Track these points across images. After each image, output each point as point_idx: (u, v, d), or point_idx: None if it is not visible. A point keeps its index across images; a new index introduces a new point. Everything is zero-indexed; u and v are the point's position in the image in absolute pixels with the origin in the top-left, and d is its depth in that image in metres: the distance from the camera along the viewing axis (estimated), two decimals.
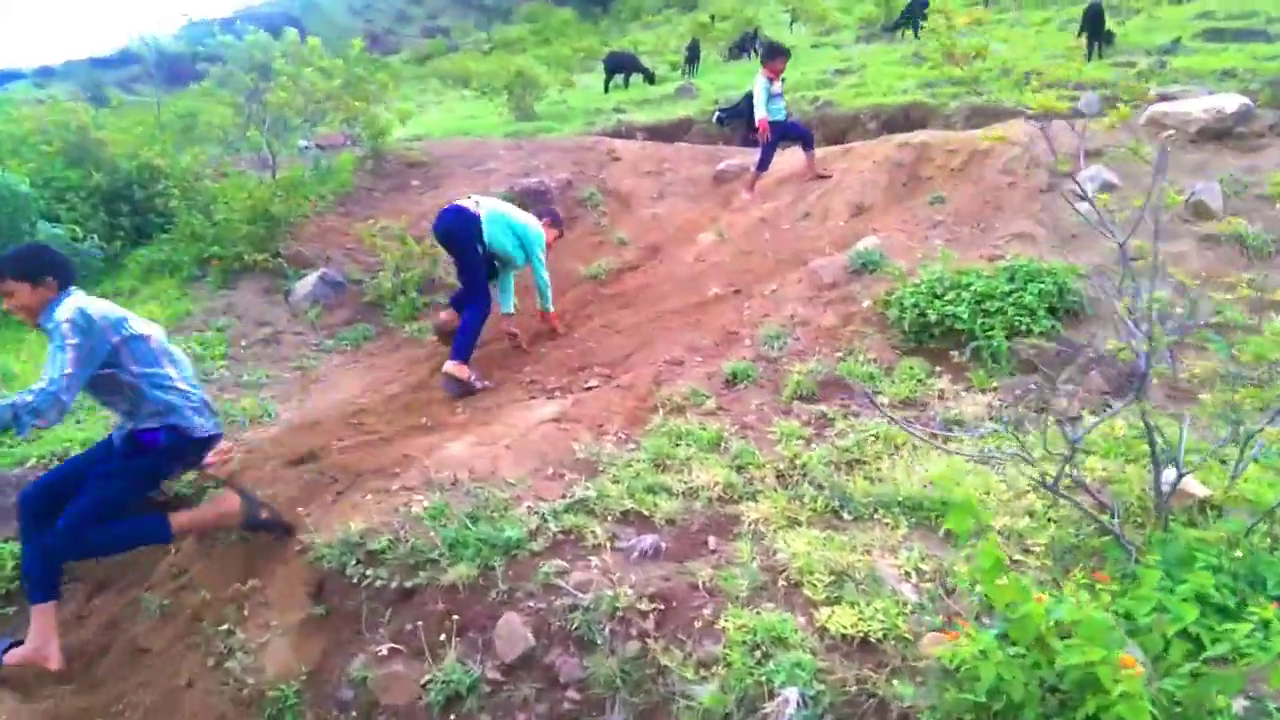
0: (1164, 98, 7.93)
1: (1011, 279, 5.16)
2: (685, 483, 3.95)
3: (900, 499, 3.66)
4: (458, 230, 5.85)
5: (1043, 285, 5.04)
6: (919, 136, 8.57)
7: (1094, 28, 14.15)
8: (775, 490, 3.86)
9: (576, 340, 6.39)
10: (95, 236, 7.52)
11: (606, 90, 19.41)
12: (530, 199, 8.25)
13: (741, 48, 22.04)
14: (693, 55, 19.34)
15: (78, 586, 4.14)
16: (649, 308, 6.65)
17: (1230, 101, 7.27)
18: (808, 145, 8.66)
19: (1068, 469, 3.05)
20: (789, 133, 8.58)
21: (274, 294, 7.15)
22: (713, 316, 6.17)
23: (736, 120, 12.38)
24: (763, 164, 8.47)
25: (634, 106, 16.72)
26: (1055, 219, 6.53)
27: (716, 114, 13.57)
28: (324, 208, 8.50)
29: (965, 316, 5.01)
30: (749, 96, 13.79)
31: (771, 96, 8.27)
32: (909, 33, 19.09)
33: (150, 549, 3.93)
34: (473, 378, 5.65)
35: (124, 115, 12.45)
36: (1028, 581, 2.41)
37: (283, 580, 3.56)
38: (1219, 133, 7.22)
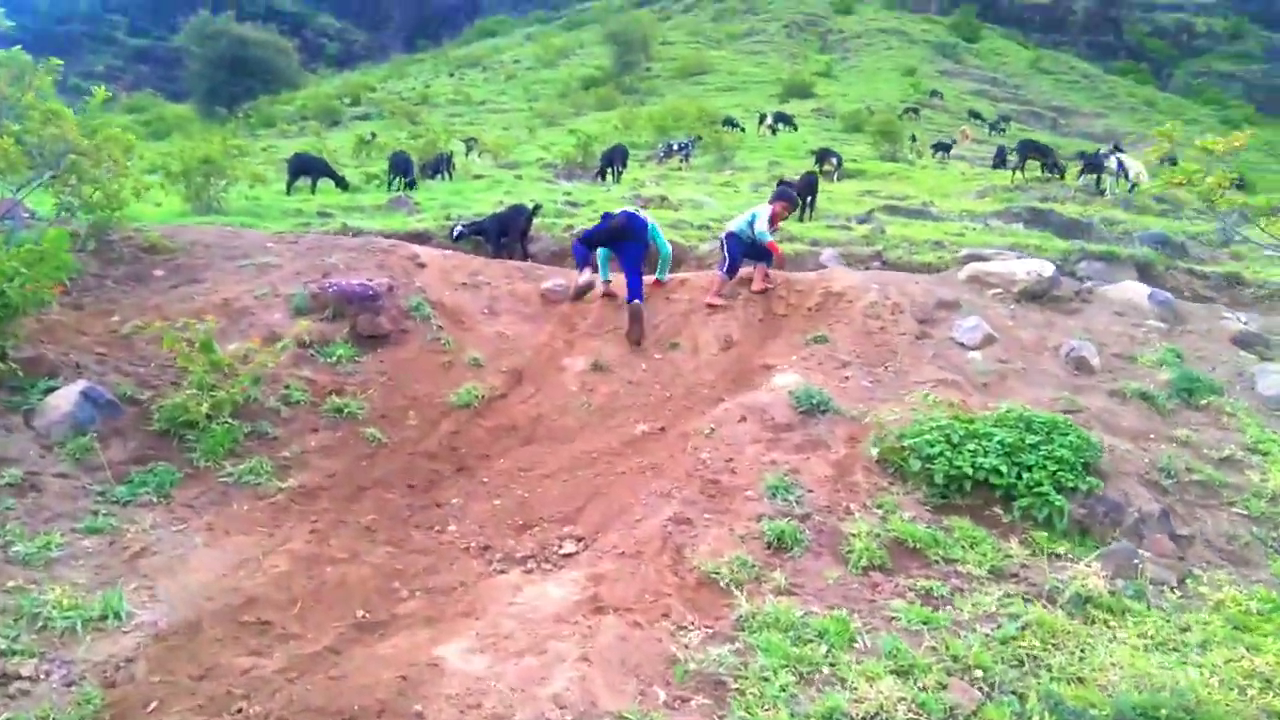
0: (974, 257, 8.52)
1: (1028, 428, 4.84)
2: (857, 699, 2.95)
3: (1134, 707, 2.98)
4: (636, 228, 7.68)
5: (1067, 438, 4.76)
6: (755, 273, 8.34)
7: (810, 194, 15.63)
8: (984, 703, 2.99)
9: (493, 486, 5.02)
10: None
11: (289, 192, 17.55)
12: (353, 303, 6.61)
13: (435, 169, 21.25)
14: (405, 168, 18.13)
15: None
16: (563, 447, 5.48)
17: (1045, 266, 7.97)
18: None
19: None
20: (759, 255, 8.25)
21: (7, 416, 4.79)
22: (662, 459, 5.19)
23: (480, 236, 11.64)
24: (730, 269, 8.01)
25: (342, 212, 15.13)
26: (957, 365, 6.50)
27: (457, 229, 12.66)
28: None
29: (1004, 470, 4.57)
30: (495, 217, 13.04)
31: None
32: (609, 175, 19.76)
33: None
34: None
35: None
36: None
37: None
38: (1037, 293, 7.84)
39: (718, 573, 3.82)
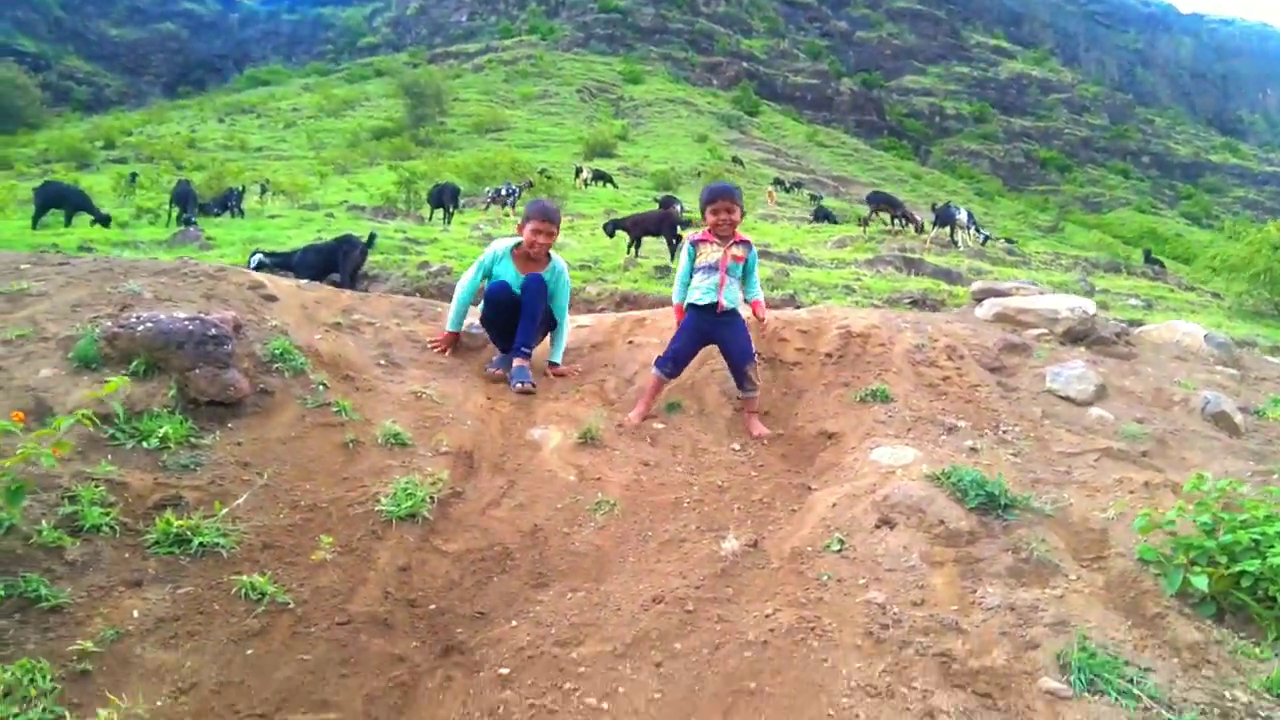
0: (991, 292, 6.94)
1: None
2: None
3: None
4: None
5: None
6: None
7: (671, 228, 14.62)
8: None
9: (524, 688, 2.59)
10: None
11: (35, 226, 14.09)
12: (181, 348, 3.91)
13: (224, 205, 17.92)
14: (186, 200, 14.82)
15: None
16: (612, 590, 3.11)
17: (1086, 303, 6.50)
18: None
19: None
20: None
21: None
22: (806, 606, 2.98)
23: (287, 272, 9.68)
24: (663, 361, 4.99)
25: (111, 247, 11.90)
26: (1089, 426, 4.78)
27: (255, 258, 10.32)
28: None
29: None
30: (314, 249, 10.52)
31: (696, 270, 5.07)
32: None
33: None
34: None
35: None
36: None
37: None
38: (1082, 334, 6.34)
39: None
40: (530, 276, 5.36)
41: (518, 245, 5.47)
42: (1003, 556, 3.21)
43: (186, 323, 4.08)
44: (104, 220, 14.73)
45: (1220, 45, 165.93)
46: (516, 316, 5.32)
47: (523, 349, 5.30)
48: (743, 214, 5.13)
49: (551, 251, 5.57)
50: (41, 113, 53.32)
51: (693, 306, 5.02)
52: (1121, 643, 2.69)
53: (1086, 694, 2.43)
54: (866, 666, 2.59)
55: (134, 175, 25.83)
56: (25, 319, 4.30)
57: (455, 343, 5.63)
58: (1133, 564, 3.13)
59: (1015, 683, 2.50)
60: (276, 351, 4.44)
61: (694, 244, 5.08)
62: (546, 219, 5.40)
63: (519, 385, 5.11)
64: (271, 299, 5.41)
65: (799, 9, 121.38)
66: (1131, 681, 2.47)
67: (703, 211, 5.07)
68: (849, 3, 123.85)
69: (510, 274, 5.44)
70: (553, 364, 5.59)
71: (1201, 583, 2.80)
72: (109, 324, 4.09)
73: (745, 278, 5.15)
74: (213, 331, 4.06)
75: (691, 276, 5.08)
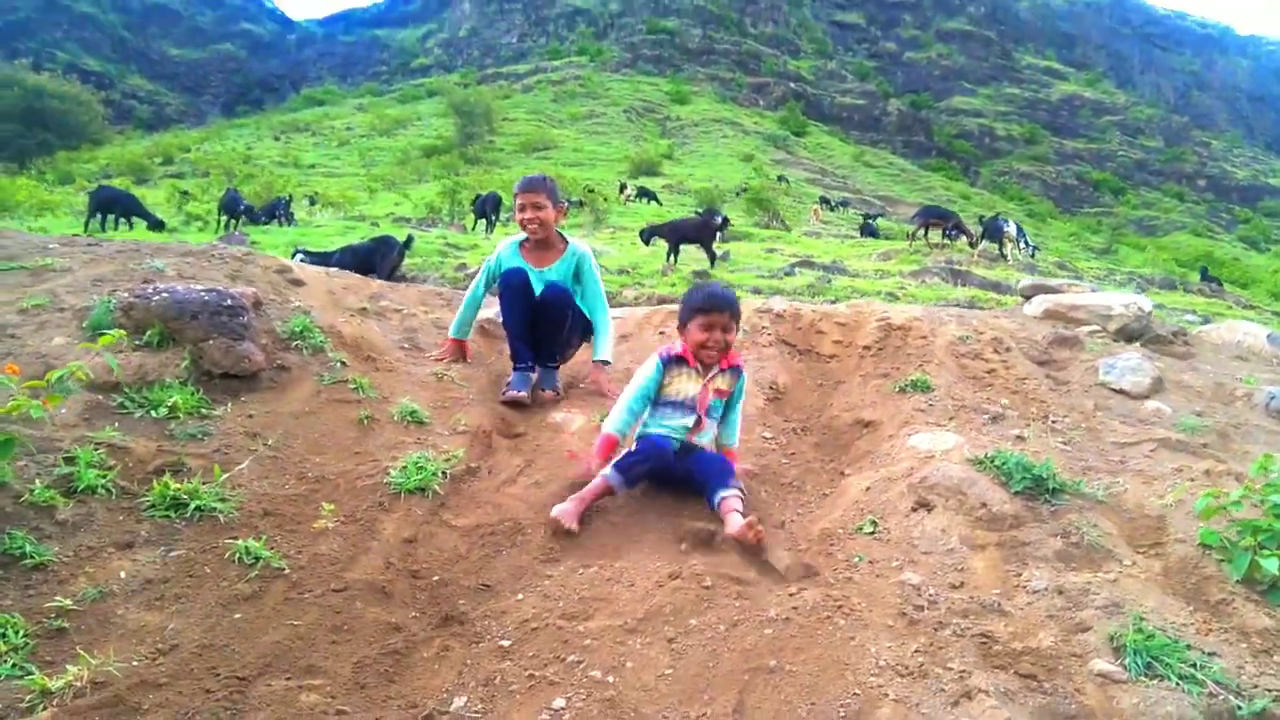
0: (1041, 289, 6.66)
1: None
2: None
3: None
4: None
5: None
6: (774, 304, 6.13)
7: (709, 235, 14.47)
8: None
9: (525, 659, 2.40)
10: None
11: (87, 229, 14.35)
12: (196, 319, 3.82)
13: (272, 213, 18.19)
14: (235, 207, 15.07)
15: None
16: (626, 566, 2.91)
17: (1143, 300, 6.18)
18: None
19: None
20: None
21: None
22: (832, 585, 2.77)
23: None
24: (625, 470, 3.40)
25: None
26: (1145, 419, 4.50)
27: (297, 257, 10.52)
28: None
29: None
30: (352, 249, 10.64)
31: (661, 403, 3.62)
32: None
33: None
34: None
35: None
36: None
37: None
38: (1137, 333, 6.03)
39: None
40: (549, 286, 4.58)
41: (526, 240, 4.76)
42: (1050, 541, 2.96)
43: (202, 293, 4.00)
44: (157, 225, 14.99)
45: (1279, 68, 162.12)
46: (538, 314, 4.61)
47: (548, 364, 4.71)
48: (738, 328, 3.74)
49: (568, 236, 4.83)
50: (104, 130, 54.87)
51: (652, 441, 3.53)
52: (1183, 626, 2.44)
53: (1144, 677, 2.19)
54: (898, 646, 2.37)
55: (185, 192, 26.32)
56: (45, 291, 4.28)
57: (461, 352, 4.97)
58: (1194, 549, 2.86)
59: (1063, 665, 2.27)
60: (297, 329, 4.35)
61: (664, 360, 3.55)
62: (528, 189, 4.55)
63: (513, 394, 4.46)
64: (298, 283, 5.34)
65: (847, 30, 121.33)
66: (1195, 666, 2.22)
67: (684, 321, 3.55)
68: (898, 23, 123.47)
69: (525, 267, 4.71)
70: (602, 363, 4.73)
71: (1272, 565, 2.53)
72: (126, 295, 4.03)
73: (725, 414, 3.73)
74: (228, 302, 3.98)
75: (648, 406, 3.61)
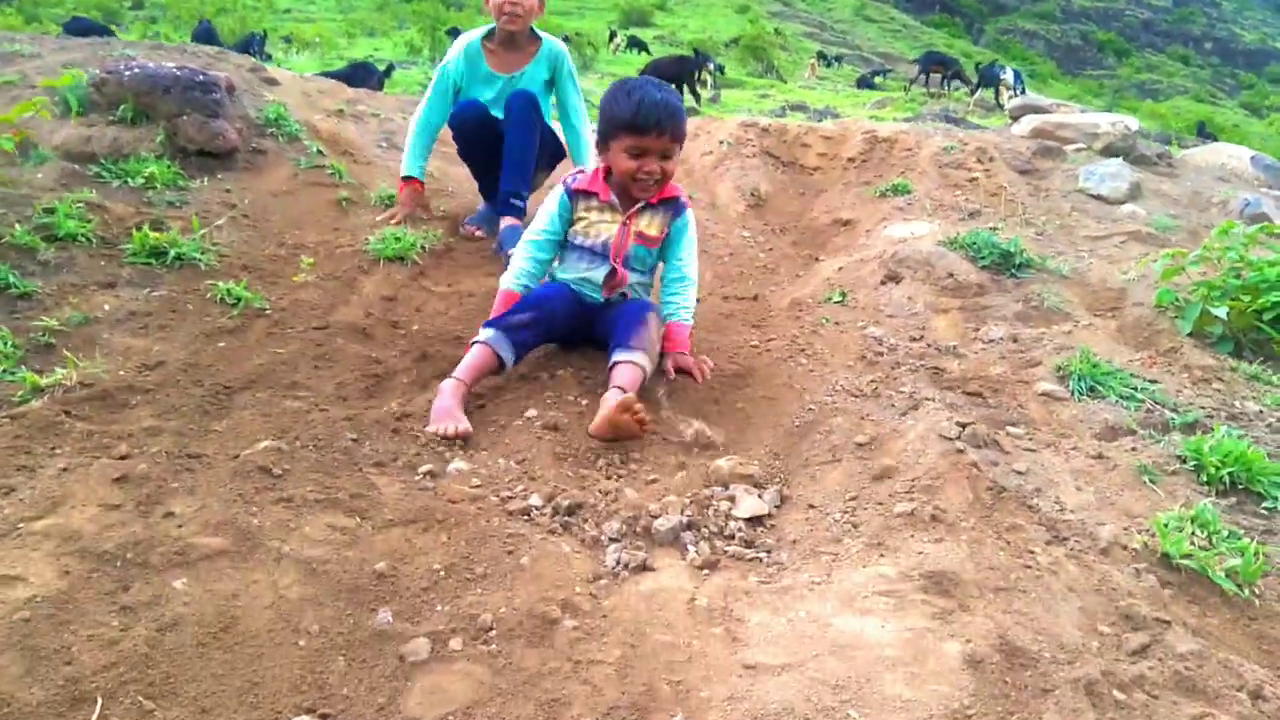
0: (1030, 109, 6.58)
1: None
2: None
3: None
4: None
5: None
6: (759, 120, 6.06)
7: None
8: None
9: None
10: None
11: None
12: (169, 93, 3.76)
13: (246, 48, 17.53)
14: (208, 38, 14.53)
15: None
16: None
17: (1129, 120, 6.12)
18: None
19: None
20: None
21: None
22: (799, 338, 2.86)
23: None
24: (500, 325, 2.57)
25: None
26: (1119, 219, 4.55)
27: None
28: None
29: None
30: (332, 74, 10.17)
31: (570, 246, 2.78)
32: None
33: None
34: None
35: None
36: None
37: None
38: (1122, 150, 6.00)
39: None
40: (514, 95, 3.64)
41: (491, 33, 3.76)
42: (1011, 305, 3.07)
43: (175, 70, 3.93)
44: None
45: None
46: (498, 147, 3.68)
47: (512, 200, 3.65)
48: (681, 149, 2.60)
49: (540, 32, 3.82)
50: None
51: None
52: (1129, 363, 2.56)
53: (1085, 397, 2.32)
54: (855, 378, 2.48)
55: (157, 33, 25.29)
56: (15, 71, 4.19)
57: (419, 195, 3.91)
58: (1149, 311, 2.97)
59: (1009, 388, 2.40)
60: (271, 117, 4.30)
61: (569, 192, 2.69)
62: None
63: (508, 254, 3.15)
64: (272, 82, 5.24)
65: None
66: (1135, 389, 2.34)
67: (604, 138, 2.56)
68: None
69: (485, 85, 3.79)
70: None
71: (1221, 311, 2.63)
72: (97, 71, 3.95)
73: (668, 269, 2.81)
74: (200, 78, 3.91)
75: (556, 251, 2.78)
